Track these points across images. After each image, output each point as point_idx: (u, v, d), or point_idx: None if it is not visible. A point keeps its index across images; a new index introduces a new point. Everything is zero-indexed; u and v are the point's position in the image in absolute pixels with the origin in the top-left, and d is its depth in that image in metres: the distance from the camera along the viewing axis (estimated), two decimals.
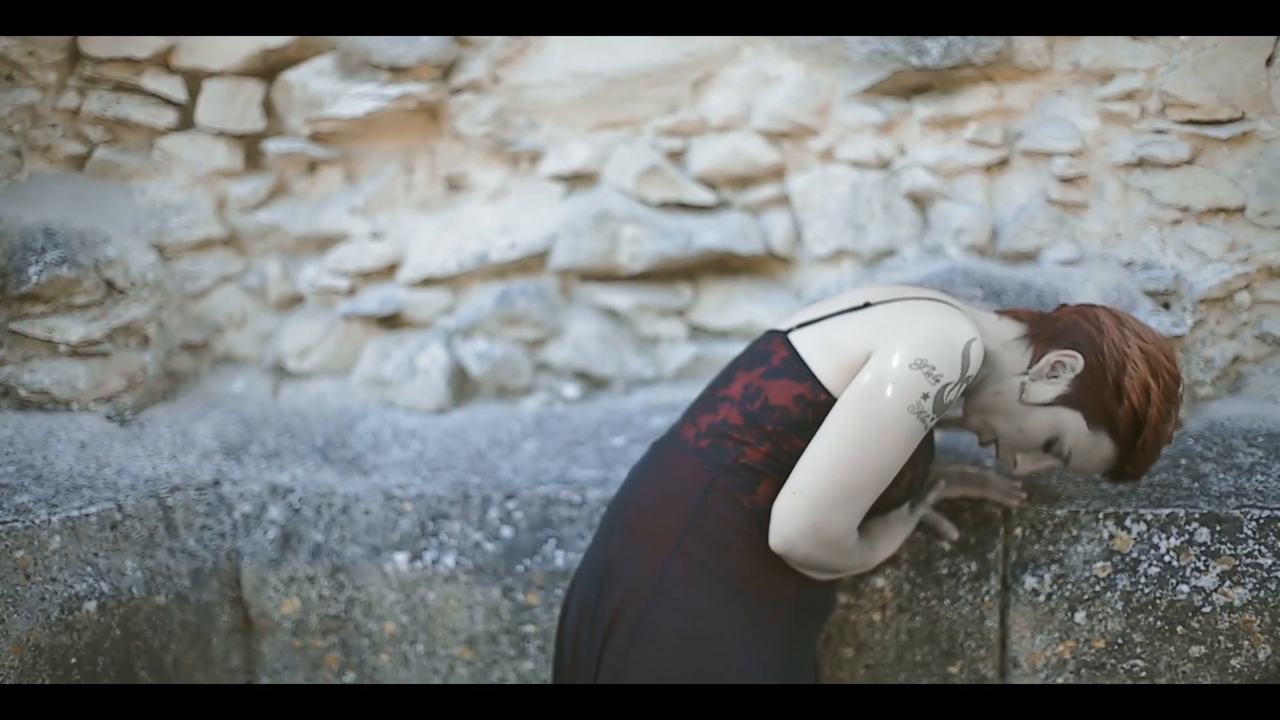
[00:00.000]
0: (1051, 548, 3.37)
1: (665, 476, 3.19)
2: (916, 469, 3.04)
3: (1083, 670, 3.36)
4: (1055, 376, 2.91)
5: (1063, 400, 2.89)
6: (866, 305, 3.03)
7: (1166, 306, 3.65)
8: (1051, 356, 2.91)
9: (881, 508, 3.10)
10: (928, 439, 3.07)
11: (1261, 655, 3.25)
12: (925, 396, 2.79)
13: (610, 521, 3.26)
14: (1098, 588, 3.32)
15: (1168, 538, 3.30)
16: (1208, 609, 3.26)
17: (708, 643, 3.04)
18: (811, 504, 2.86)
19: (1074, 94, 3.75)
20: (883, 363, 2.84)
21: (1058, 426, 2.91)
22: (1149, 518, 3.32)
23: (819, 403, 2.91)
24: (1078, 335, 2.93)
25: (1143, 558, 3.30)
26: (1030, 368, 2.94)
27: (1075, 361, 2.89)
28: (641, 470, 3.27)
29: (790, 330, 3.11)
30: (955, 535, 3.40)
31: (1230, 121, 3.59)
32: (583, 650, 3.22)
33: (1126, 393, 2.84)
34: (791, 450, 2.94)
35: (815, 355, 3.00)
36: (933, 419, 2.83)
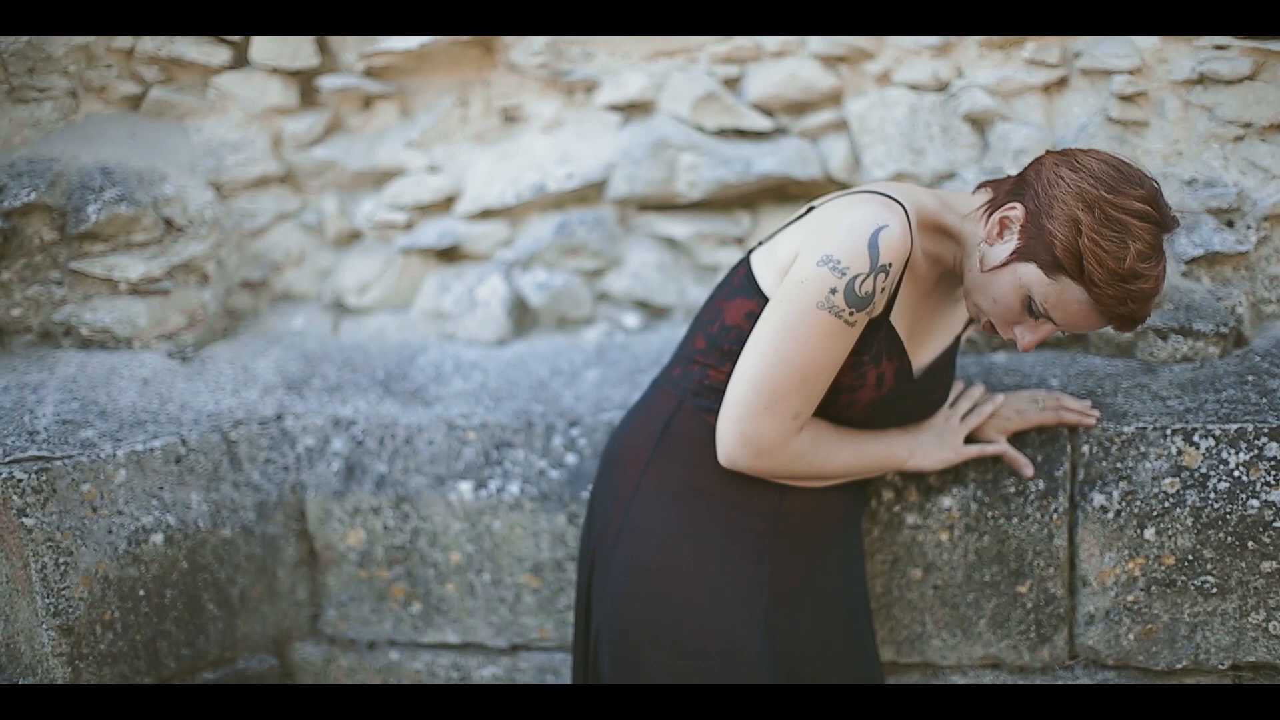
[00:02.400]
0: (1120, 465, 3.35)
1: (642, 411, 3.27)
2: (881, 390, 3.03)
3: (1153, 588, 3.34)
4: (1008, 235, 2.86)
5: (1016, 255, 2.83)
6: (810, 210, 3.05)
7: (1230, 225, 3.62)
8: (997, 215, 2.87)
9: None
10: (904, 382, 3.07)
11: None
12: (834, 291, 2.78)
13: (599, 461, 3.35)
14: (1167, 504, 3.30)
15: (1237, 453, 3.28)
16: (1279, 524, 3.23)
17: (676, 567, 3.07)
18: (738, 414, 2.90)
19: None
20: (797, 265, 2.86)
21: (1021, 284, 2.83)
22: (1217, 433, 3.29)
23: None
24: (1021, 187, 2.88)
25: (1212, 473, 3.28)
26: (984, 233, 2.92)
27: (1016, 213, 2.84)
28: (630, 409, 3.35)
29: (754, 249, 3.14)
30: (1030, 472, 3.38)
31: None
32: (580, 591, 3.33)
33: (1054, 231, 2.75)
34: None
35: (761, 269, 3.04)
36: (852, 314, 2.81)
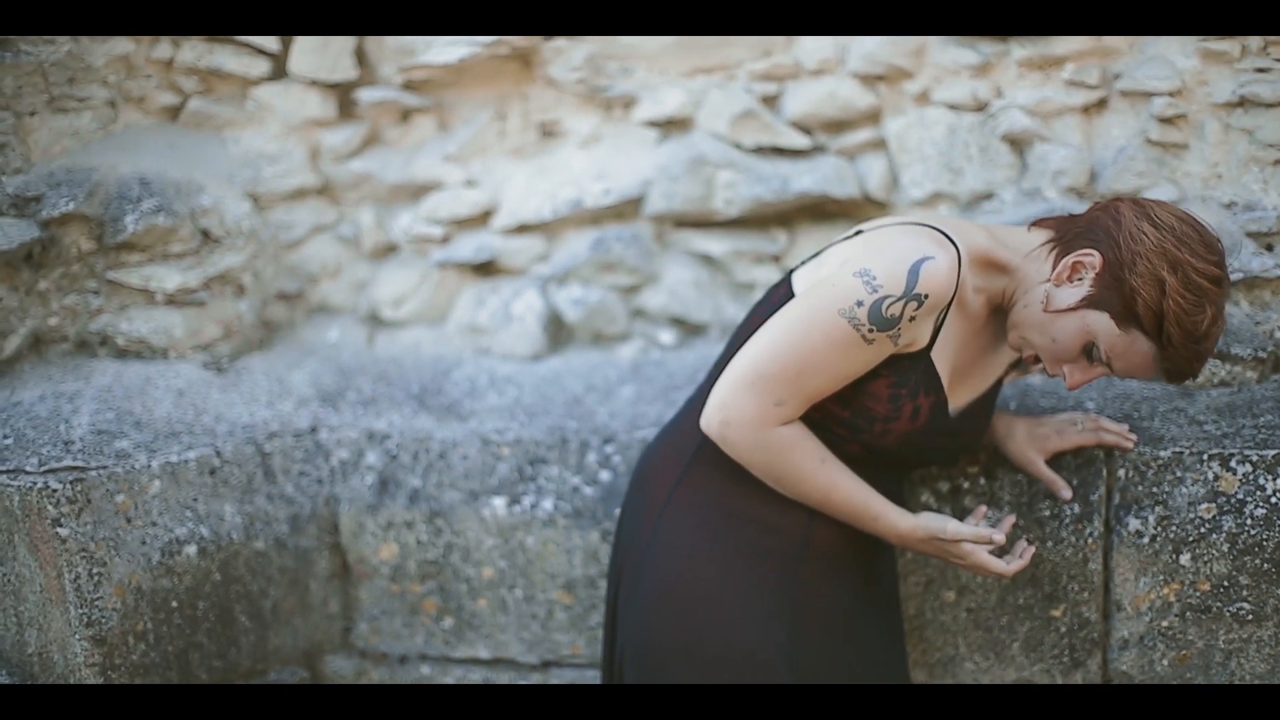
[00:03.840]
0: (1155, 489, 3.34)
1: (675, 429, 3.27)
2: (915, 424, 3.00)
3: (1188, 613, 3.33)
4: (1079, 279, 2.85)
5: (1087, 302, 2.82)
6: (858, 233, 3.05)
7: (1269, 249, 3.61)
8: (1070, 258, 2.85)
9: (879, 461, 3.09)
10: (939, 420, 3.03)
11: None
12: (859, 304, 2.76)
13: (631, 479, 3.35)
14: (1203, 529, 3.29)
15: (1274, 479, 3.26)
16: None
17: (704, 586, 3.06)
18: (726, 381, 2.91)
19: None
20: (832, 271, 2.87)
21: (1088, 330, 2.83)
22: (1255, 459, 3.27)
23: None
24: (1096, 232, 2.87)
25: (1249, 499, 3.26)
26: (1052, 274, 2.90)
27: (1093, 259, 2.82)
28: (664, 426, 3.36)
29: (796, 268, 3.14)
30: (1068, 494, 3.36)
31: None
32: (608, 608, 3.32)
33: (1139, 290, 2.75)
34: None
35: (802, 288, 3.02)
36: (871, 330, 2.78)
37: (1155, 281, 2.75)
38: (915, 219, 3.03)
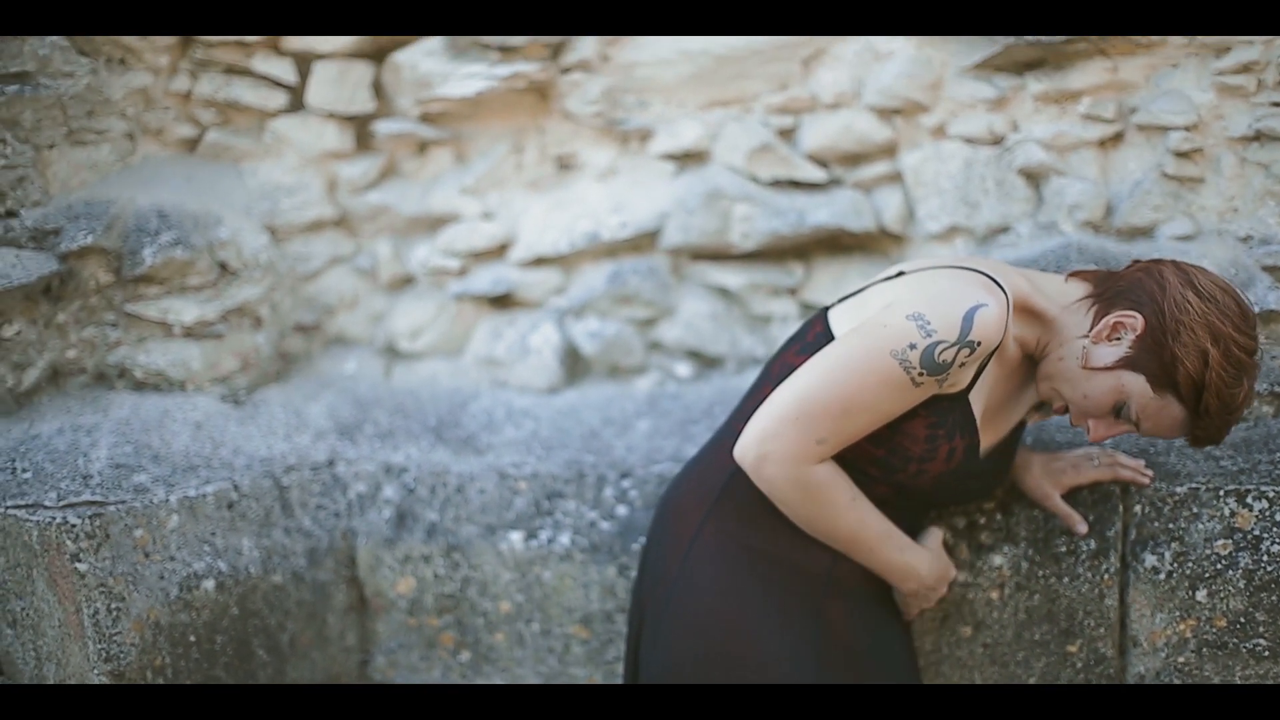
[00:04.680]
0: (1172, 525, 3.34)
1: (702, 463, 3.26)
2: (950, 465, 3.01)
3: (1204, 650, 3.32)
4: (1117, 339, 2.85)
5: (1124, 363, 2.83)
6: (900, 274, 3.04)
7: None
8: (1111, 318, 2.85)
9: (906, 502, 3.10)
10: (970, 461, 3.04)
11: None
12: (912, 346, 2.75)
13: (655, 512, 3.34)
14: (1219, 565, 3.28)
15: None
16: None
17: (731, 623, 3.05)
18: (767, 412, 2.87)
19: (1189, 67, 3.70)
20: (884, 311, 2.84)
21: (1122, 390, 2.84)
22: (1271, 495, 3.27)
23: None
24: (1139, 294, 2.87)
25: (1265, 535, 3.26)
26: (1091, 330, 2.90)
27: (1135, 321, 2.82)
28: (691, 459, 3.34)
29: (831, 306, 3.13)
30: (1084, 529, 3.37)
31: None
32: (630, 643, 3.31)
33: (1181, 359, 2.77)
34: None
35: (842, 328, 3.02)
36: (921, 374, 2.78)
37: (1199, 353, 2.77)
38: (960, 262, 3.04)
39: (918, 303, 2.81)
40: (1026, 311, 2.98)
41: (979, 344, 2.77)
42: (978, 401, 2.97)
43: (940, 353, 2.76)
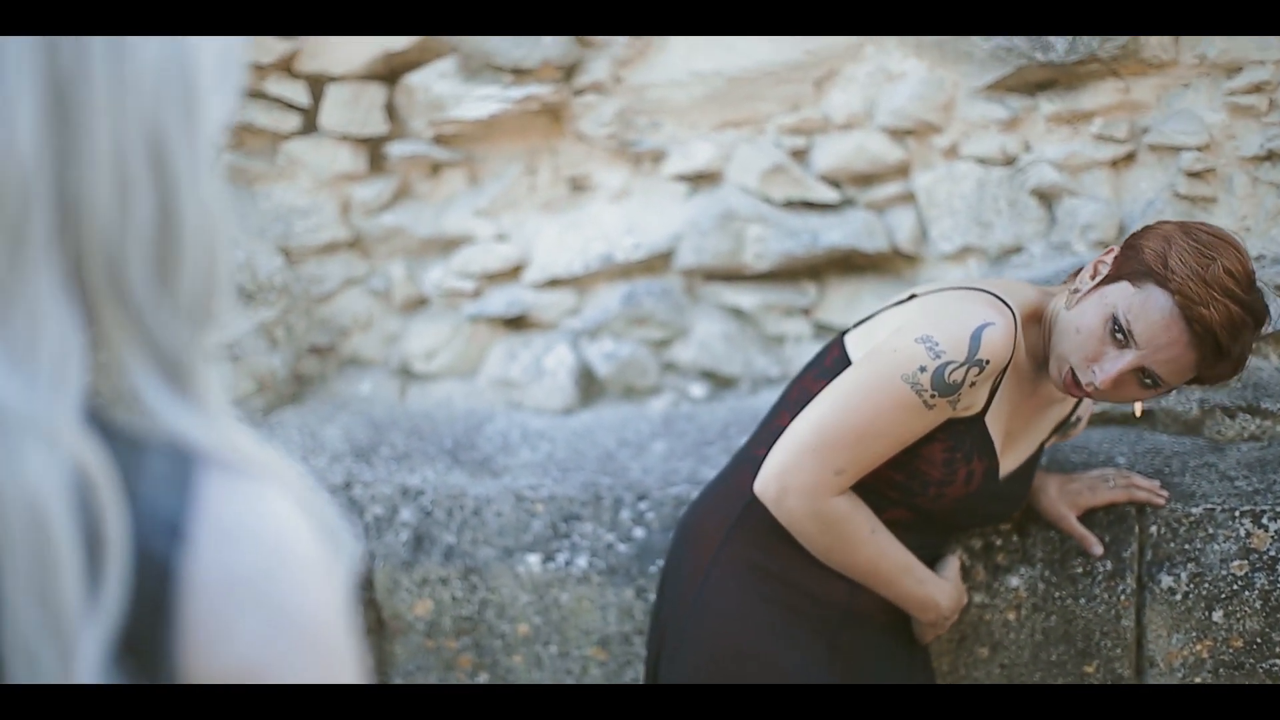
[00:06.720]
0: (1187, 546, 3.35)
1: (721, 487, 3.27)
2: (969, 488, 3.02)
3: (1220, 670, 3.33)
4: (1099, 272, 2.89)
5: (1105, 280, 2.85)
6: (912, 297, 3.08)
7: None
8: (1091, 261, 2.93)
9: (927, 525, 3.11)
10: (990, 484, 3.05)
11: None
12: (923, 369, 2.78)
13: (673, 535, 3.36)
14: (1235, 586, 3.29)
15: None
16: None
17: (747, 650, 3.08)
18: (785, 444, 2.89)
19: (1201, 87, 3.71)
20: (893, 337, 2.88)
21: (1108, 303, 2.81)
22: None
23: None
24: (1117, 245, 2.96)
25: None
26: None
27: (1110, 255, 2.89)
28: (709, 483, 3.36)
29: (848, 330, 3.16)
30: (1099, 550, 3.38)
31: None
32: (649, 665, 3.31)
33: (1146, 244, 2.81)
34: None
35: (857, 352, 3.04)
36: (933, 396, 2.80)
37: (1161, 237, 2.80)
38: (969, 283, 3.08)
39: (926, 325, 2.84)
40: (1038, 319, 3.03)
41: (987, 362, 2.80)
42: (996, 424, 2.99)
43: (950, 373, 2.78)
